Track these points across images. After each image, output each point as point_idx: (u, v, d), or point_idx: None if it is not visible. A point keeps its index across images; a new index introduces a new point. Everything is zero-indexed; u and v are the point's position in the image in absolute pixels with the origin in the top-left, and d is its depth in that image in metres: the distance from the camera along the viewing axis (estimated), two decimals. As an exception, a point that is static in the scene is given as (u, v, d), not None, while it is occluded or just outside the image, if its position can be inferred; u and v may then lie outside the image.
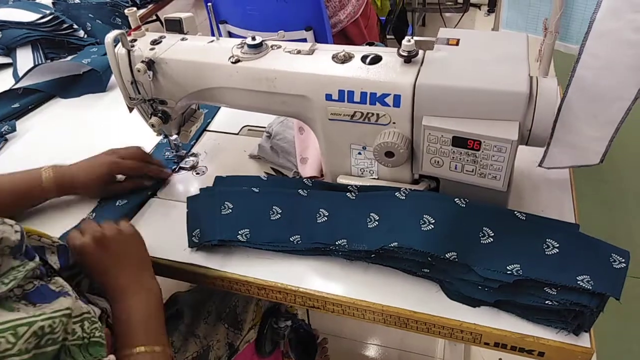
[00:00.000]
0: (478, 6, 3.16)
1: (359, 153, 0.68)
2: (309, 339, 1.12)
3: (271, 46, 0.70)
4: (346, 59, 0.65)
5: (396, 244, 0.59)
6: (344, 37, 1.55)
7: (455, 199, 0.61)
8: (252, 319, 0.85)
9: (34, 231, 0.55)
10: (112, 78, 1.14)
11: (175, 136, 0.84)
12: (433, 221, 0.59)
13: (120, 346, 0.56)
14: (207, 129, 0.97)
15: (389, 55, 0.64)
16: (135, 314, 0.58)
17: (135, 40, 0.74)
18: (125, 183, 0.79)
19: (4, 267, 0.46)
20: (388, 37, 2.22)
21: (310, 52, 0.68)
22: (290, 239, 0.67)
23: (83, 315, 0.46)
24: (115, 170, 0.76)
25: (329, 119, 0.65)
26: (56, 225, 0.74)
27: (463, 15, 2.66)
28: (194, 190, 0.81)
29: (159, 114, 0.76)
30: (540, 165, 0.69)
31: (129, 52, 0.72)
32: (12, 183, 0.72)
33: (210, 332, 0.78)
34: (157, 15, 2.29)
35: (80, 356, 0.45)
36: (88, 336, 0.45)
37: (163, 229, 0.75)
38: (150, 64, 0.70)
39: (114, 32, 0.70)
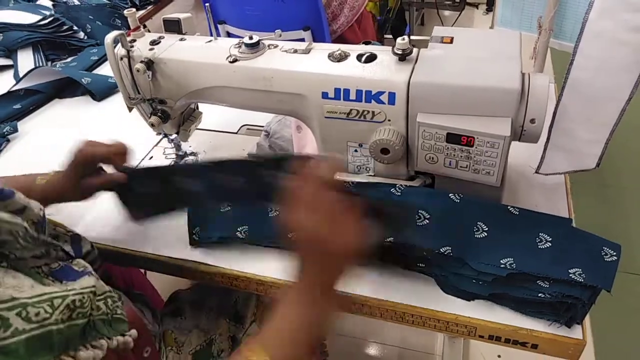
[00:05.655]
0: (476, 5, 3.17)
1: (356, 150, 0.69)
2: None
3: (268, 46, 0.71)
4: (342, 57, 0.66)
5: (392, 239, 0.60)
6: (340, 40, 1.56)
7: (450, 195, 0.62)
8: (253, 313, 0.86)
9: (49, 220, 0.57)
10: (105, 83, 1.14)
11: (174, 135, 0.85)
12: (428, 216, 0.60)
13: (252, 341, 0.47)
14: (206, 128, 0.98)
15: (384, 53, 0.65)
16: (288, 323, 0.48)
17: (134, 40, 0.75)
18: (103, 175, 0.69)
19: None
20: (386, 36, 2.24)
21: (307, 51, 0.69)
22: (288, 235, 0.68)
23: (106, 294, 0.49)
24: (80, 158, 0.66)
25: (326, 117, 0.66)
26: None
27: (460, 13, 2.67)
28: (193, 188, 0.82)
29: (159, 113, 0.77)
30: (537, 172, 0.69)
31: (128, 52, 0.73)
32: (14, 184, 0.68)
33: (212, 326, 0.79)
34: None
35: (104, 330, 0.48)
36: (111, 312, 0.49)
37: (163, 227, 0.75)
38: (149, 64, 0.71)
39: (114, 33, 0.71)
